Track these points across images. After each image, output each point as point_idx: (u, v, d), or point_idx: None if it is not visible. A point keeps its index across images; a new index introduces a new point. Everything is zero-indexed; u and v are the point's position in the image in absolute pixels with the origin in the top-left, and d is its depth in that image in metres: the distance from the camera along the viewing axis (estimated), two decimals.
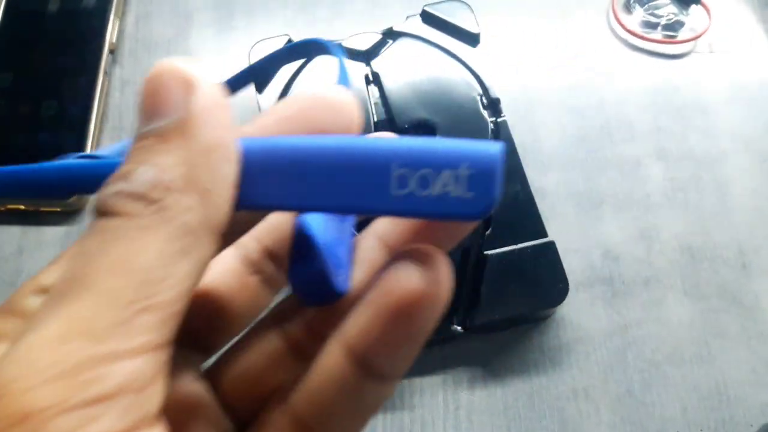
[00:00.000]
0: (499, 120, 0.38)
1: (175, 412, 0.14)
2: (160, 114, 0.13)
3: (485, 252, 0.34)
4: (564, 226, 0.38)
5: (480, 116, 0.38)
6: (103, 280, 0.11)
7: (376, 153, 0.13)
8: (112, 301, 0.11)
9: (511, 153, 0.37)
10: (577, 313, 0.36)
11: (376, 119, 0.38)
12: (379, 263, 0.16)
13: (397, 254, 0.14)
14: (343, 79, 0.18)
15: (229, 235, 0.15)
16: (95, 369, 0.11)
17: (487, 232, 0.35)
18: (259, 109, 0.38)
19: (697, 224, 0.38)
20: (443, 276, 0.13)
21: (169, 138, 0.12)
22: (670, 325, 0.36)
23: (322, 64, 0.39)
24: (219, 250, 0.15)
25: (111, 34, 0.44)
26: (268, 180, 0.13)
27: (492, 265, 0.34)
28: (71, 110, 0.42)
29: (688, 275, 0.37)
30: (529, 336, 0.36)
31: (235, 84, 0.22)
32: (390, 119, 0.38)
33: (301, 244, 0.15)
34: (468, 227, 0.15)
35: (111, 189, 0.12)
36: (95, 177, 0.13)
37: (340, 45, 0.18)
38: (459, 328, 0.34)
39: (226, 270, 0.17)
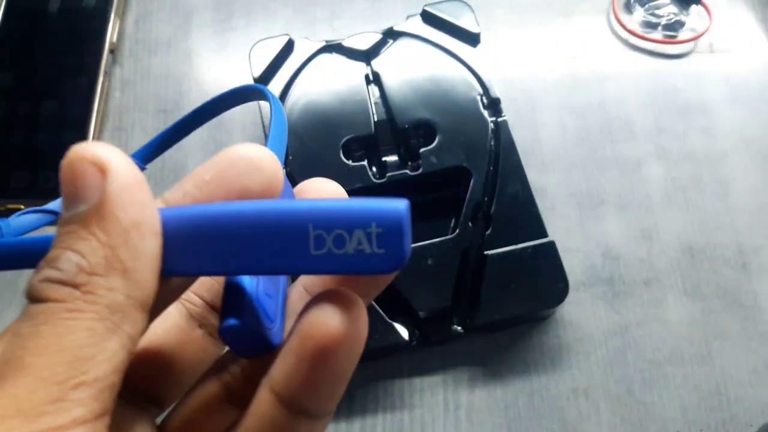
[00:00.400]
0: (499, 120, 0.38)
1: None
2: (78, 199, 0.13)
3: (485, 252, 0.34)
4: (564, 226, 0.38)
5: (480, 116, 0.38)
6: (36, 360, 0.12)
7: (293, 217, 0.13)
8: (46, 380, 0.12)
9: (512, 153, 0.37)
10: (577, 313, 0.36)
11: (376, 119, 0.38)
12: None
13: (314, 298, 0.14)
14: (277, 134, 0.18)
15: (169, 297, 0.16)
16: None
17: (488, 232, 0.35)
18: (260, 110, 0.38)
19: (697, 224, 0.38)
20: (360, 317, 0.14)
21: (88, 223, 0.13)
22: (671, 325, 0.36)
23: (322, 64, 0.40)
24: (156, 316, 0.16)
25: (111, 34, 0.44)
26: (192, 248, 0.14)
27: (492, 265, 0.34)
28: (71, 110, 0.42)
29: (689, 275, 0.37)
30: (530, 336, 0.36)
31: (176, 135, 0.22)
32: (390, 119, 0.38)
33: (231, 298, 0.15)
34: (388, 278, 0.16)
35: (40, 275, 0.13)
36: (32, 255, 0.14)
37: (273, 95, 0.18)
38: (459, 328, 0.34)
39: (172, 327, 0.18)
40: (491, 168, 0.36)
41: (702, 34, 0.43)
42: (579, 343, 0.36)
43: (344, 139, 0.37)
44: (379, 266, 0.13)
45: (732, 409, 0.34)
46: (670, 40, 0.44)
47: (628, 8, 0.45)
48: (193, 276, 0.17)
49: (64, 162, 0.13)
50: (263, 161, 0.15)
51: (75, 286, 0.13)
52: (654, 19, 0.44)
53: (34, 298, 0.13)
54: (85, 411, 0.12)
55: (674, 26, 0.44)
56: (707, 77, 0.43)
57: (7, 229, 0.19)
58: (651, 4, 0.44)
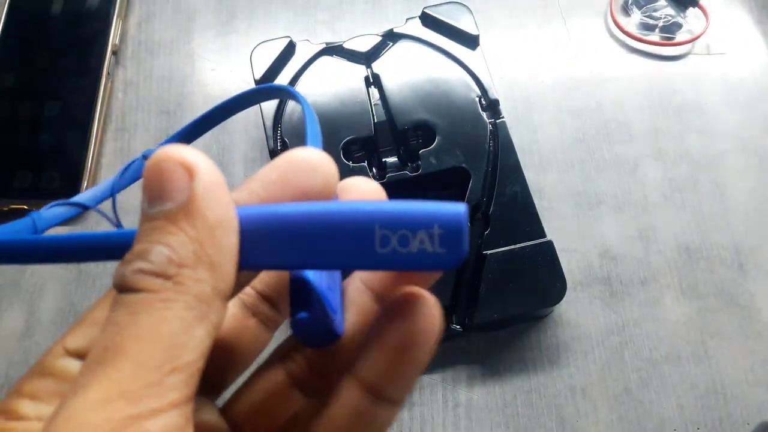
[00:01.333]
0: (498, 121, 0.38)
1: None
2: (165, 197, 0.14)
3: (484, 252, 0.35)
4: (562, 226, 0.39)
5: (479, 117, 0.38)
6: (135, 347, 0.13)
7: (361, 217, 0.14)
8: (144, 366, 0.13)
9: (510, 153, 0.37)
10: (575, 312, 0.37)
11: (376, 120, 0.38)
12: (366, 306, 0.18)
13: (396, 298, 0.16)
14: (313, 132, 0.19)
15: (236, 289, 0.17)
16: (135, 426, 0.12)
17: (486, 232, 0.35)
18: (261, 112, 0.39)
19: (694, 224, 0.39)
20: (434, 314, 0.16)
21: (176, 219, 0.14)
22: (668, 324, 0.36)
23: (323, 66, 0.40)
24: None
25: (114, 36, 0.45)
26: (267, 244, 0.15)
27: (491, 264, 0.34)
28: (74, 111, 0.42)
29: (685, 275, 0.37)
30: (528, 335, 0.36)
31: (199, 128, 0.23)
32: (390, 120, 0.38)
33: (301, 293, 0.16)
34: (439, 273, 0.18)
35: (131, 267, 0.14)
36: (112, 247, 0.15)
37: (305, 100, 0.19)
38: (458, 326, 0.34)
39: (229, 316, 0.19)
40: (490, 169, 0.37)
41: (699, 36, 0.44)
42: (576, 342, 0.36)
43: (344, 140, 0.37)
44: (440, 263, 0.14)
45: (729, 407, 0.34)
46: (668, 42, 0.44)
47: (626, 10, 0.45)
48: (265, 269, 0.17)
49: (150, 163, 0.14)
50: (322, 164, 0.16)
51: (166, 277, 0.14)
52: (651, 21, 0.44)
53: (126, 288, 0.14)
54: (178, 395, 0.13)
55: (671, 28, 0.44)
56: (704, 79, 0.43)
57: (39, 221, 0.19)
58: (648, 6, 0.45)
